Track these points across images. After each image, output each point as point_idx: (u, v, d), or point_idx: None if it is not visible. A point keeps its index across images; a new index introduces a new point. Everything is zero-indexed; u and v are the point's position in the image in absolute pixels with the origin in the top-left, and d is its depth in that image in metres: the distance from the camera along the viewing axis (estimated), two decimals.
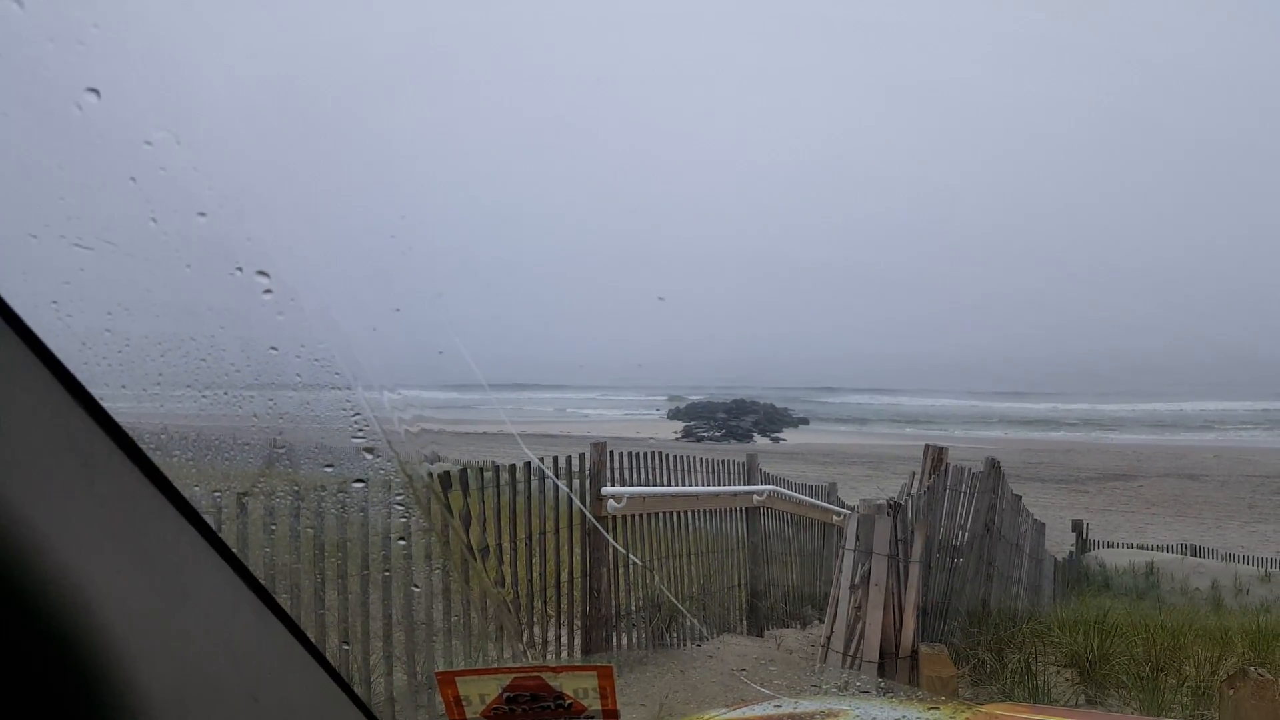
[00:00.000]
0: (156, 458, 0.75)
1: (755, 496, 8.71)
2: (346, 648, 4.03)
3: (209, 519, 0.82)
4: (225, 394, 1.17)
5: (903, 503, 5.28)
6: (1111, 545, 18.65)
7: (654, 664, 6.02)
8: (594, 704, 1.06)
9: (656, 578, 6.69)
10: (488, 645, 4.97)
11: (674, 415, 62.32)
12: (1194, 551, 17.28)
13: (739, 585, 8.57)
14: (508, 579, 5.34)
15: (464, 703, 1.07)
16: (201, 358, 1.08)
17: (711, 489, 7.94)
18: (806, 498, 10.68)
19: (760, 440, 50.55)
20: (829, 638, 5.20)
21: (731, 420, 55.91)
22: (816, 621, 9.52)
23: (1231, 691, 4.06)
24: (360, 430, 1.29)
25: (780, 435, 53.42)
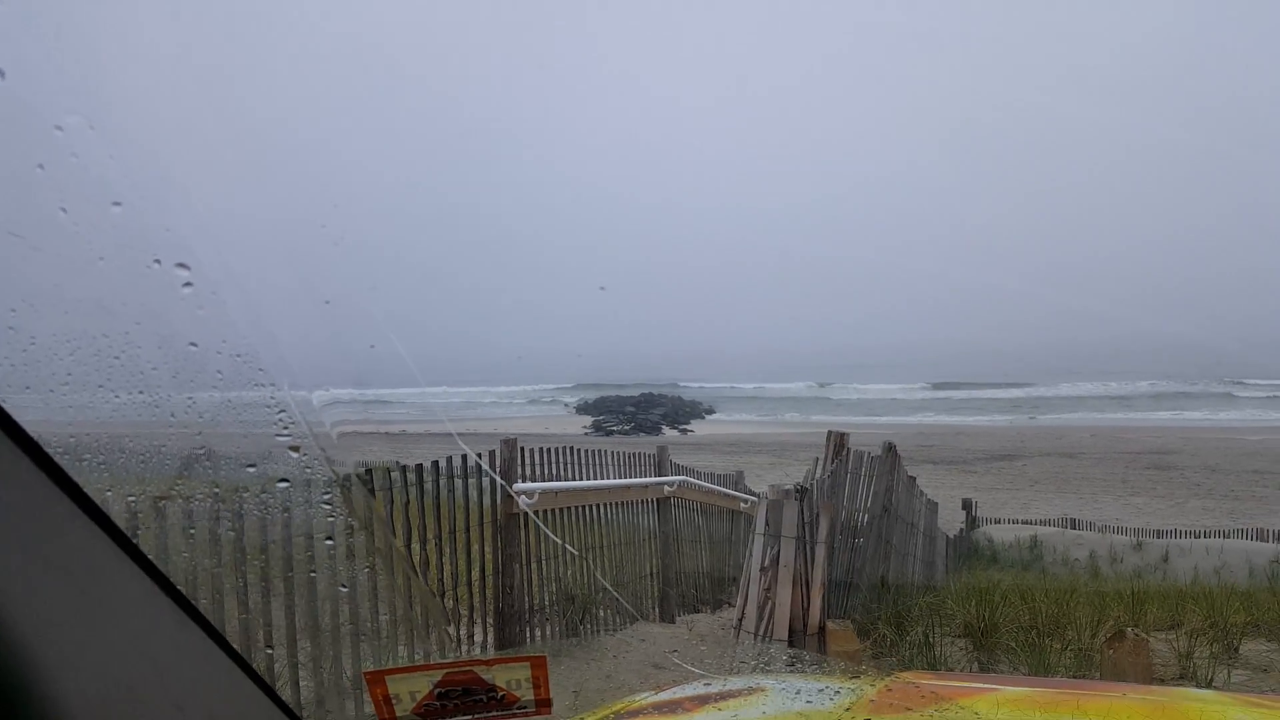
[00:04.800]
0: (65, 462, 0.72)
1: (666, 487, 8.81)
2: (270, 651, 3.92)
3: (123, 525, 0.79)
4: (141, 394, 1.11)
5: (808, 487, 5.45)
6: (998, 521, 19.67)
7: (569, 655, 6.03)
8: (527, 694, 1.07)
9: (570, 570, 6.69)
10: (416, 642, 4.90)
11: (582, 410, 62.22)
12: (1073, 524, 18.42)
13: (651, 574, 8.66)
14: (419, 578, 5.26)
15: (393, 700, 1.07)
16: (115, 356, 1.03)
17: (623, 481, 7.98)
18: (715, 486, 10.87)
19: (669, 432, 51.05)
20: (741, 618, 5.33)
21: (640, 413, 56.25)
22: (726, 605, 9.71)
23: (1111, 651, 4.41)
24: (285, 428, 1.25)
25: (688, 427, 54.10)
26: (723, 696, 1.60)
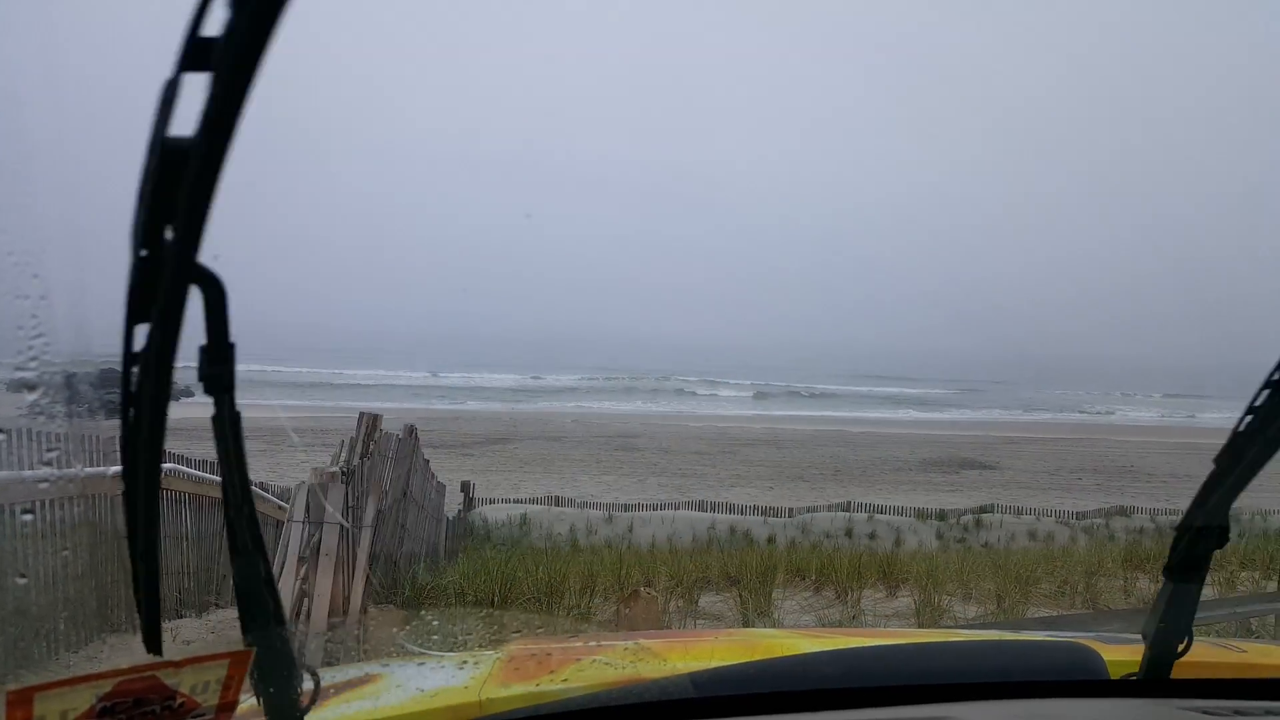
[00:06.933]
0: None
1: None
2: None
3: None
4: None
5: (352, 470, 5.20)
6: (492, 501, 20.86)
7: (17, 682, 4.89)
8: (212, 698, 0.88)
9: (27, 582, 5.44)
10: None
11: (15, 388, 49.98)
12: (557, 502, 20.45)
13: (127, 579, 7.41)
14: None
15: None
16: None
17: (97, 470, 6.69)
18: (211, 476, 9.70)
19: None
20: None
21: (100, 393, 47.10)
22: (214, 608, 8.86)
23: (628, 610, 5.08)
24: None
25: None
26: (346, 686, 1.46)
